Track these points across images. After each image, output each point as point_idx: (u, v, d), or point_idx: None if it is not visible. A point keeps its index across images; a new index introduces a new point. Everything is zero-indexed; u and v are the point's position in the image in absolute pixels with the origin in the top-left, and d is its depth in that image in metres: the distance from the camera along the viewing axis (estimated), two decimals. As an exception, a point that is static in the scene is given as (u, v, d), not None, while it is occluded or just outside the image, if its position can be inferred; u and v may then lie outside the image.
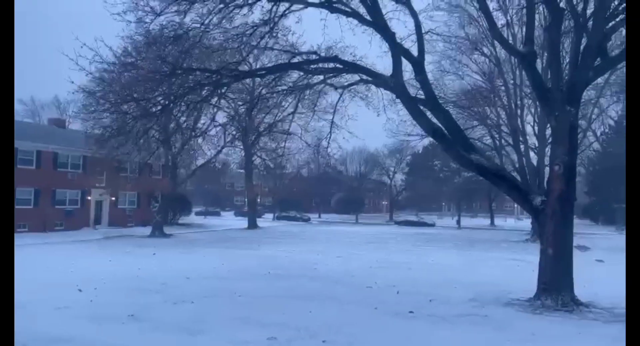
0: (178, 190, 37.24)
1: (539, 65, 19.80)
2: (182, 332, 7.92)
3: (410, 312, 9.67)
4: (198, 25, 12.08)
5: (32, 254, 18.83)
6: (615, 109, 42.61)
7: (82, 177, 32.74)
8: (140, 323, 8.45)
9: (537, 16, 15.70)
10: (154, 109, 13.69)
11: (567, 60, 13.56)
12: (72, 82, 14.81)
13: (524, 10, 13.36)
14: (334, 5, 12.16)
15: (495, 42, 22.77)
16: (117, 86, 14.97)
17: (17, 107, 57.87)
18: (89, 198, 34.14)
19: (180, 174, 37.47)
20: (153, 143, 24.33)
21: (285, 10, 12.43)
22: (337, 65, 12.99)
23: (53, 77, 33.87)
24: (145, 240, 27.09)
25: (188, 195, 48.02)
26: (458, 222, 54.88)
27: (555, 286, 10.53)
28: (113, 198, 35.55)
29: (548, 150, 25.63)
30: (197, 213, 56.75)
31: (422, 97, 12.72)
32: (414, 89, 14.96)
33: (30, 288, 11.06)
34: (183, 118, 24.04)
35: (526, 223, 48.78)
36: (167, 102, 13.49)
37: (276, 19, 12.45)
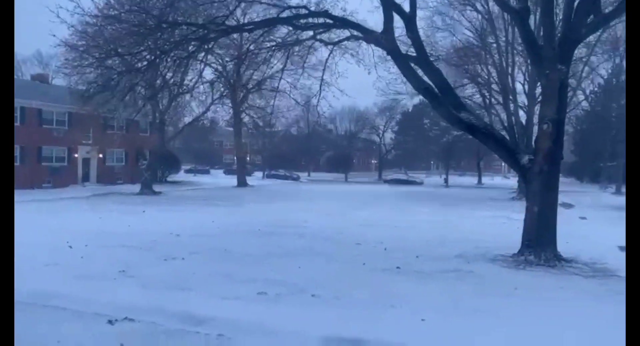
0: (166, 147, 36.99)
1: (532, 21, 19.48)
2: (173, 288, 8.05)
3: (398, 268, 9.91)
4: (183, -23, 11.63)
5: (19, 211, 18.76)
6: (605, 67, 42.47)
7: (68, 134, 32.31)
8: (131, 280, 8.56)
9: (532, -30, 15.30)
10: (139, 64, 13.38)
11: (560, 17, 13.37)
12: (54, 36, 14.38)
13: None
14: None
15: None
16: (100, 40, 14.55)
17: (-3, 61, 56.00)
18: (76, 155, 33.83)
19: (169, 132, 37.13)
20: (139, 99, 23.91)
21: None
22: (327, 21, 12.67)
23: (34, 30, 32.71)
24: (135, 198, 27.11)
25: (177, 152, 47.78)
26: (446, 180, 55.50)
27: (539, 242, 10.80)
28: (100, 156, 35.28)
29: (537, 108, 25.68)
30: (186, 171, 56.69)
31: (414, 54, 12.52)
32: (405, 46, 14.71)
33: (18, 245, 11.08)
34: (170, 75, 23.49)
35: (513, 181, 49.55)
36: (152, 57, 13.14)
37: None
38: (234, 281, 8.60)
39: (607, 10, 12.38)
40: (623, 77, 45.55)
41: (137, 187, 30.90)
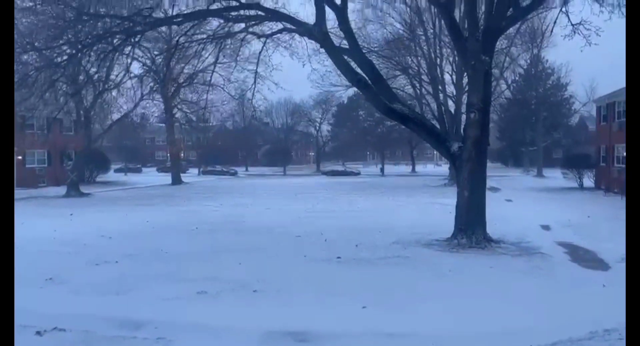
0: (94, 146, 35.13)
1: (457, 14, 20.24)
2: (107, 293, 7.69)
3: (338, 258, 10.04)
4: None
5: None
6: (524, 58, 45.17)
7: (-18, 135, 29.88)
8: (61, 286, 8.10)
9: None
10: (59, 59, 12.60)
11: (483, 10, 13.98)
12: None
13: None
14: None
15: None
16: (15, 34, 13.55)
17: None
18: (-8, 158, 31.39)
19: (95, 130, 35.26)
20: (61, 96, 22.50)
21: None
22: (259, 13, 12.51)
23: None
24: (61, 201, 25.61)
25: (105, 151, 45.58)
26: (382, 169, 56.85)
27: (470, 226, 11.34)
28: (20, 157, 32.93)
29: (465, 98, 26.81)
30: (117, 170, 54.28)
31: (346, 46, 12.66)
32: (338, 38, 14.81)
33: None
34: (94, 70, 22.26)
35: (445, 168, 51.54)
36: (73, 51, 12.41)
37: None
38: (172, 281, 8.35)
39: (524, 4, 13.11)
40: (540, 67, 48.65)
41: (62, 190, 29.16)
